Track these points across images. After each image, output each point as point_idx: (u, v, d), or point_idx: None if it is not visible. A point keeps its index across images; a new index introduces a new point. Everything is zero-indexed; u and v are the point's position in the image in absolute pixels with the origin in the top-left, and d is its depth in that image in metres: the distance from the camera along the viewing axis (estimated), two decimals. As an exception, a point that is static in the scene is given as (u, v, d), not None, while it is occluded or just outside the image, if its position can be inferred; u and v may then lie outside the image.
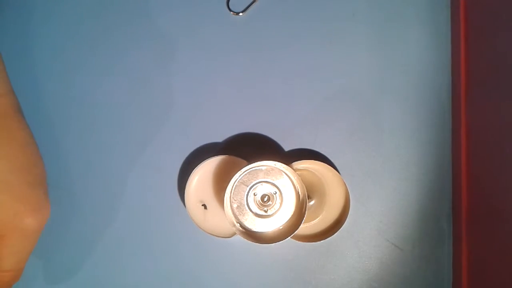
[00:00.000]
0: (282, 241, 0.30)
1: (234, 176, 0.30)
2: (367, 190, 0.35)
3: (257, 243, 0.30)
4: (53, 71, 0.36)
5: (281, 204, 0.31)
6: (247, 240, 0.30)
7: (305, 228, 0.34)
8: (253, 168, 0.31)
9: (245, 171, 0.31)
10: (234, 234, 0.32)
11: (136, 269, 0.35)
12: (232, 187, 0.31)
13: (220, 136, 0.36)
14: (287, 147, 0.36)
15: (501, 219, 0.30)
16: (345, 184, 0.33)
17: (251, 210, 0.31)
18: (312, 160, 0.33)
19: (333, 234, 0.33)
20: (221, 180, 0.34)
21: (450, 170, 0.36)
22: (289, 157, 0.35)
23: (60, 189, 0.35)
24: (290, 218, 0.31)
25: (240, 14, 0.36)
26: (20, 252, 0.30)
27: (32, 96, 0.35)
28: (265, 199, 0.31)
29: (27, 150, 0.31)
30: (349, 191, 0.33)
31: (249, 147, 0.35)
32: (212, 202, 0.34)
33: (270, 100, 0.36)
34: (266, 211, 0.31)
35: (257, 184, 0.31)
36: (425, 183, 0.35)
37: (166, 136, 0.35)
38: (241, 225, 0.31)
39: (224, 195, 0.30)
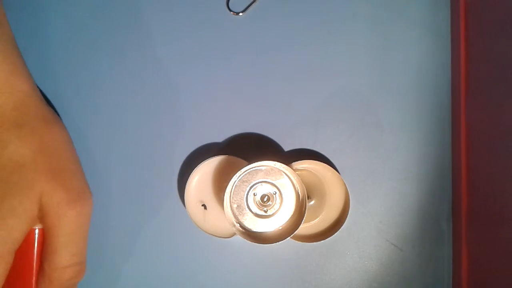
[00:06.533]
0: (282, 241, 0.30)
1: (234, 176, 0.30)
2: (367, 190, 0.35)
3: (257, 243, 0.30)
4: (54, 71, 0.36)
5: (281, 204, 0.31)
6: (247, 240, 0.30)
7: (305, 228, 0.34)
8: (253, 168, 0.31)
9: (245, 171, 0.31)
10: (234, 234, 0.32)
11: (135, 269, 0.35)
12: (232, 187, 0.31)
13: (220, 136, 0.36)
14: (287, 147, 0.36)
15: (501, 219, 0.30)
16: (345, 184, 0.33)
17: (251, 210, 0.31)
18: (312, 160, 0.33)
19: (333, 234, 0.33)
20: (221, 180, 0.34)
21: (450, 170, 0.36)
22: (289, 157, 0.35)
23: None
24: (290, 218, 0.31)
25: (240, 14, 0.36)
26: (74, 243, 0.28)
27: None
28: (265, 199, 0.31)
29: (65, 138, 0.31)
30: (349, 191, 0.33)
31: (249, 147, 0.35)
32: (212, 202, 0.34)
33: (270, 100, 0.36)
34: (266, 211, 0.31)
35: (257, 184, 0.31)
36: (425, 183, 0.35)
37: (166, 136, 0.35)
38: (241, 225, 0.31)
39: (224, 195, 0.30)
